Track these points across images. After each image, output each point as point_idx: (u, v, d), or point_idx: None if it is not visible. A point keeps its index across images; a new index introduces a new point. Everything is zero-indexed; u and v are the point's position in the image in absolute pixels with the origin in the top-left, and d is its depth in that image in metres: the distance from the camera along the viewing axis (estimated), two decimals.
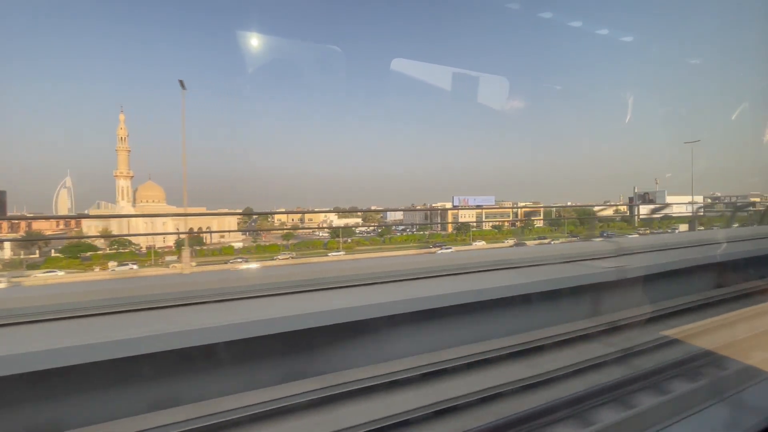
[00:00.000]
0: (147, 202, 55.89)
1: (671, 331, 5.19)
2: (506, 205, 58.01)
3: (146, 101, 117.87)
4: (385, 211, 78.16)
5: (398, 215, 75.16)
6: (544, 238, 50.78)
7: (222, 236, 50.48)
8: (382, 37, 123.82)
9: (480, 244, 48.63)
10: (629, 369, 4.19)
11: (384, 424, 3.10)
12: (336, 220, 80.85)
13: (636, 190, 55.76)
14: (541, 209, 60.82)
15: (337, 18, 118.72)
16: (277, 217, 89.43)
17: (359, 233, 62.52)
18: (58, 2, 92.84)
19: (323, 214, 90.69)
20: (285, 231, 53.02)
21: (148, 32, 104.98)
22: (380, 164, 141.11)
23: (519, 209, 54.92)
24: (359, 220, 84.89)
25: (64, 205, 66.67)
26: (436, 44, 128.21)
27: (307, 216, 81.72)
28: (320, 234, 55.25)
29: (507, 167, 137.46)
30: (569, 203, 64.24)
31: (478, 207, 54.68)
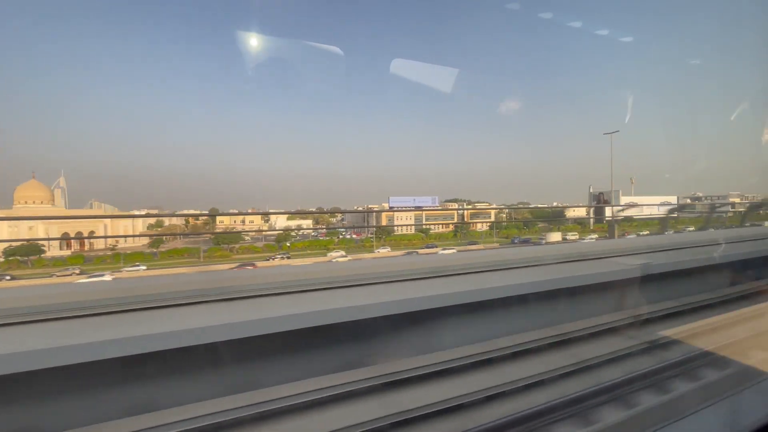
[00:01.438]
0: (27, 203, 48.21)
1: None
2: (451, 207, 52.95)
3: (145, 101, 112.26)
4: (321, 212, 72.59)
5: (347, 216, 69.61)
6: (443, 247, 45.72)
7: (122, 241, 43.52)
8: (382, 38, 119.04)
9: (337, 253, 43.57)
10: None
11: None
12: (282, 222, 74.67)
13: (591, 190, 51.17)
14: (492, 210, 55.92)
15: (337, 18, 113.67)
16: (218, 218, 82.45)
17: (260, 238, 55.96)
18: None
19: (274, 216, 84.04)
20: (154, 236, 46.17)
21: (148, 32, 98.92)
22: (377, 164, 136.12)
23: (464, 210, 49.82)
24: (310, 221, 78.99)
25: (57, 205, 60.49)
26: (437, 44, 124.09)
27: (248, 218, 75.06)
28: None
29: (503, 167, 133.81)
30: (555, 203, 59.56)
31: (418, 209, 49.47)
